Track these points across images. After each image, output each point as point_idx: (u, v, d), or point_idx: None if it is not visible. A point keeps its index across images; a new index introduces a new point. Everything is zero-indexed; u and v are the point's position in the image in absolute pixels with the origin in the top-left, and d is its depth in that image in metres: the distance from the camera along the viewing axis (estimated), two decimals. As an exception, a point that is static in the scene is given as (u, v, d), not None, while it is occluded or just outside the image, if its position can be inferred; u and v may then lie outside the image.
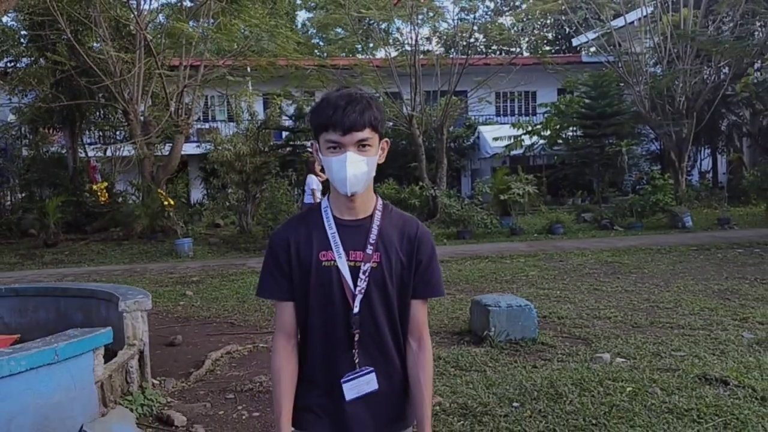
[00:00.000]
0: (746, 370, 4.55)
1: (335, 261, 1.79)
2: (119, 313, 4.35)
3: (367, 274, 1.80)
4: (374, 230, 1.82)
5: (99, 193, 14.73)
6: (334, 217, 1.83)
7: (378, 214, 1.85)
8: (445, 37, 20.96)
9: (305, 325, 1.84)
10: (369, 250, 1.81)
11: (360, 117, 1.71)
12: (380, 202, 1.88)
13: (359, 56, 20.90)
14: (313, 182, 11.50)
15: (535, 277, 9.00)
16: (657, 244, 11.46)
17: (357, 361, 1.81)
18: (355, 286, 1.79)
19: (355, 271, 1.79)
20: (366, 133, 1.73)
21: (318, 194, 11.35)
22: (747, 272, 8.76)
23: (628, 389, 4.25)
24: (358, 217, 1.83)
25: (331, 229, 1.82)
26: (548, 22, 29.57)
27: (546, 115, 20.43)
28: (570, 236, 13.38)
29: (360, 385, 1.82)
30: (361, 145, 1.73)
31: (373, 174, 1.80)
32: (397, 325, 1.86)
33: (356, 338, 1.80)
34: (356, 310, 1.79)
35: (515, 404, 4.07)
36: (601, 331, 5.91)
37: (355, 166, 1.72)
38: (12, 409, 3.12)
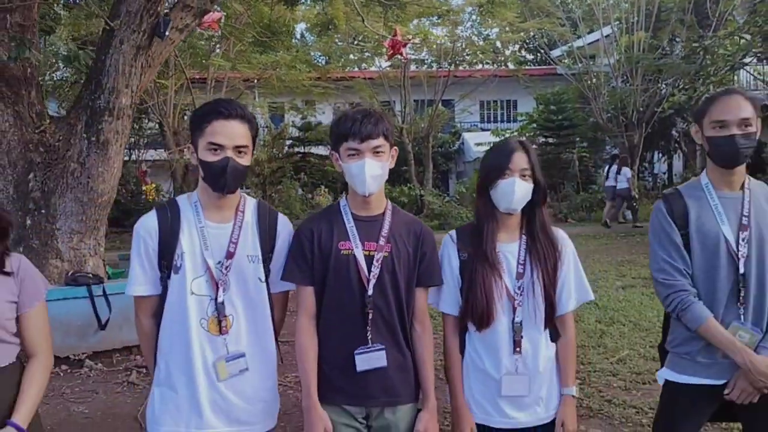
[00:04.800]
0: (599, 298, 7.45)
1: (352, 250, 2.05)
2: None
3: (379, 261, 2.05)
4: (386, 225, 2.09)
5: (147, 193, 17.49)
6: (352, 214, 2.11)
7: (389, 213, 2.13)
8: (434, 47, 22.74)
9: (321, 307, 2.10)
10: (381, 241, 2.06)
11: (375, 127, 2.00)
12: (389, 203, 2.17)
13: (355, 68, 23.28)
14: (629, 172, 14.82)
15: (492, 254, 11.85)
16: (594, 232, 14.33)
17: (370, 337, 2.05)
18: (369, 271, 2.04)
19: (369, 260, 2.05)
20: (380, 141, 2.02)
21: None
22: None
23: (523, 306, 7.15)
24: (372, 214, 2.11)
25: (350, 223, 2.08)
26: (531, 35, 31.68)
27: (522, 124, 23.19)
28: (529, 227, 16.21)
29: (371, 359, 2.05)
30: (376, 151, 2.02)
31: (386, 177, 2.07)
32: (404, 309, 2.10)
33: (370, 316, 2.04)
34: (370, 292, 2.03)
35: (455, 312, 6.95)
36: (524, 283, 8.80)
37: (372, 170, 1.99)
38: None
